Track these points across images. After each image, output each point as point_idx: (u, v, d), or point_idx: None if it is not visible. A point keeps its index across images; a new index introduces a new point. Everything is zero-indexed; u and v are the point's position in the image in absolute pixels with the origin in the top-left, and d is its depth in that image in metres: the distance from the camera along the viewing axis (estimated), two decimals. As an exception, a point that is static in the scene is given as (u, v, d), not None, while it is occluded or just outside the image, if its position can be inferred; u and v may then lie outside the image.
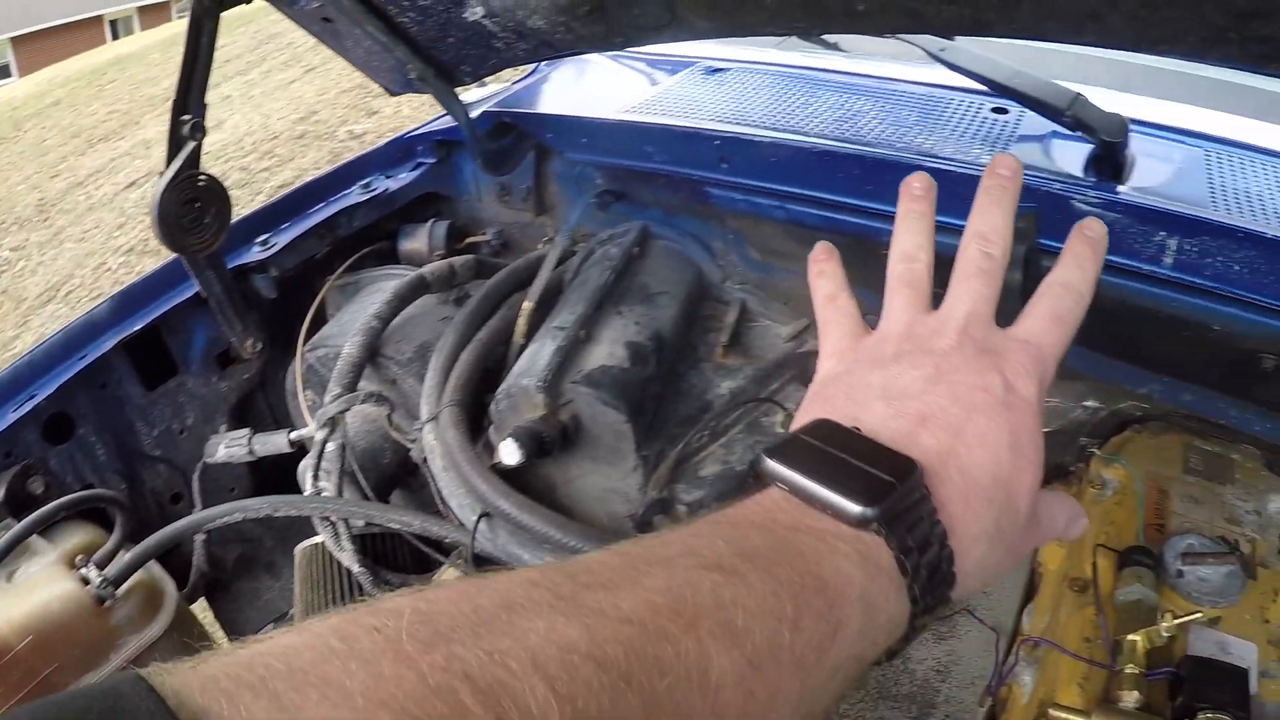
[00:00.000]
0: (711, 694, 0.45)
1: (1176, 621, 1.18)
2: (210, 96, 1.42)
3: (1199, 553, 1.29)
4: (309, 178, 2.04)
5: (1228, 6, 0.83)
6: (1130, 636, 1.18)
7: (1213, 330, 1.29)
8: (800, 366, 1.62)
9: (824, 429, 0.66)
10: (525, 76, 1.99)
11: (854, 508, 0.57)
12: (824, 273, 0.85)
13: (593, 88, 1.82)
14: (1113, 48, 0.96)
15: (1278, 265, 1.18)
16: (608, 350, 1.47)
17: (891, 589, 0.57)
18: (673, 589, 0.47)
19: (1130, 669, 1.16)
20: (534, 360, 1.43)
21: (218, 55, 1.38)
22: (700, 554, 0.51)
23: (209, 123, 1.43)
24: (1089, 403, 1.63)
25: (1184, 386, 1.46)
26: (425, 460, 1.49)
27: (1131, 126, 1.34)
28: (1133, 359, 1.47)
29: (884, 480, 0.58)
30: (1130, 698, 1.10)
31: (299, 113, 7.31)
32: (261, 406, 2.00)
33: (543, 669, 0.40)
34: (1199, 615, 1.22)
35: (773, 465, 0.62)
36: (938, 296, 0.76)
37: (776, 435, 1.51)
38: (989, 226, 0.78)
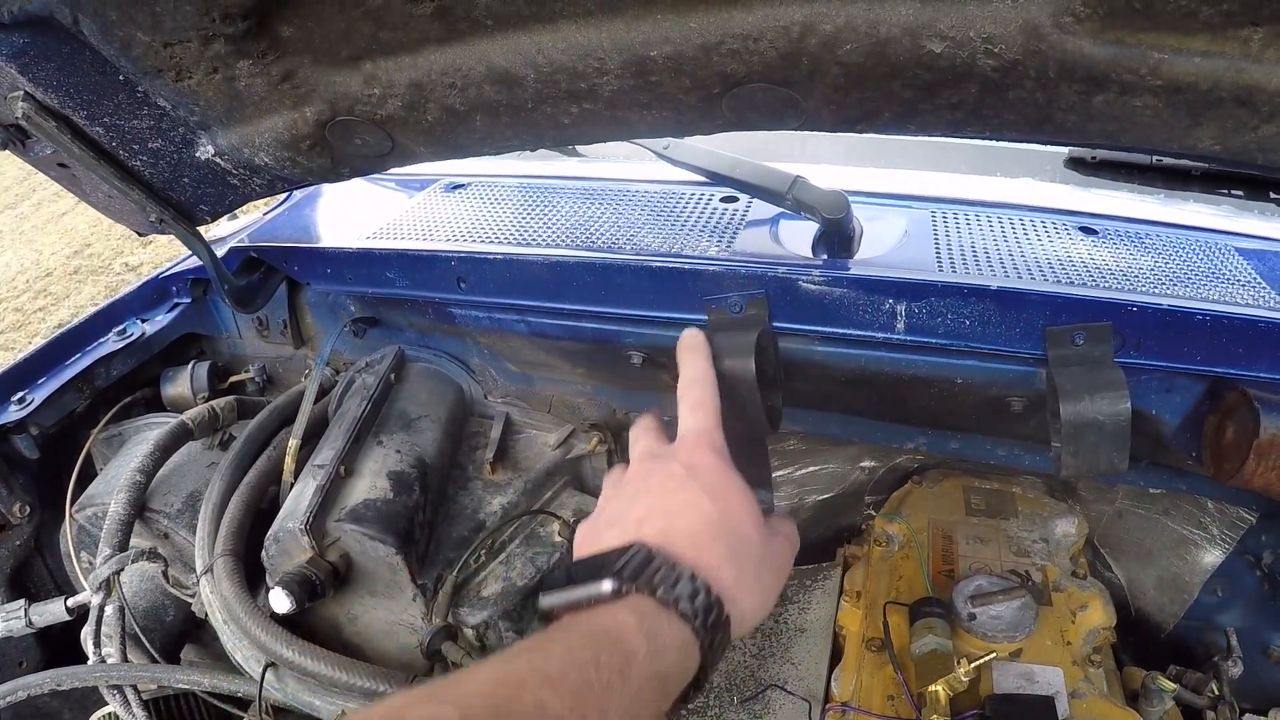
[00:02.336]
0: None
1: (972, 665, 1.22)
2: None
3: (988, 592, 1.34)
4: (65, 326, 1.94)
5: (915, 81, 0.89)
6: (932, 687, 1.22)
7: (957, 384, 1.35)
8: (570, 472, 1.63)
9: (565, 567, 0.84)
10: (278, 205, 1.96)
11: (605, 585, 0.75)
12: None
13: (341, 212, 1.82)
14: (815, 130, 1.01)
15: (1005, 315, 1.25)
16: (370, 483, 1.45)
17: (665, 619, 0.76)
18: (500, 670, 0.66)
19: (936, 719, 1.18)
20: (298, 502, 1.41)
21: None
22: (514, 649, 0.70)
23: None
24: (866, 463, 1.69)
25: (949, 435, 1.53)
26: (208, 614, 1.45)
27: (857, 199, 1.41)
28: (894, 418, 1.53)
29: (612, 560, 0.78)
30: (940, 747, 1.13)
31: (72, 246, 6.99)
32: (41, 571, 1.89)
33: None
34: (994, 654, 1.26)
35: (547, 599, 0.80)
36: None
37: (553, 546, 1.53)
38: (691, 375, 1.04)
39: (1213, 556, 1.56)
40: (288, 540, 1.37)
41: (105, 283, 6.30)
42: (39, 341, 5.37)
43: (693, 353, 1.08)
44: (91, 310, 1.95)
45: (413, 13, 0.94)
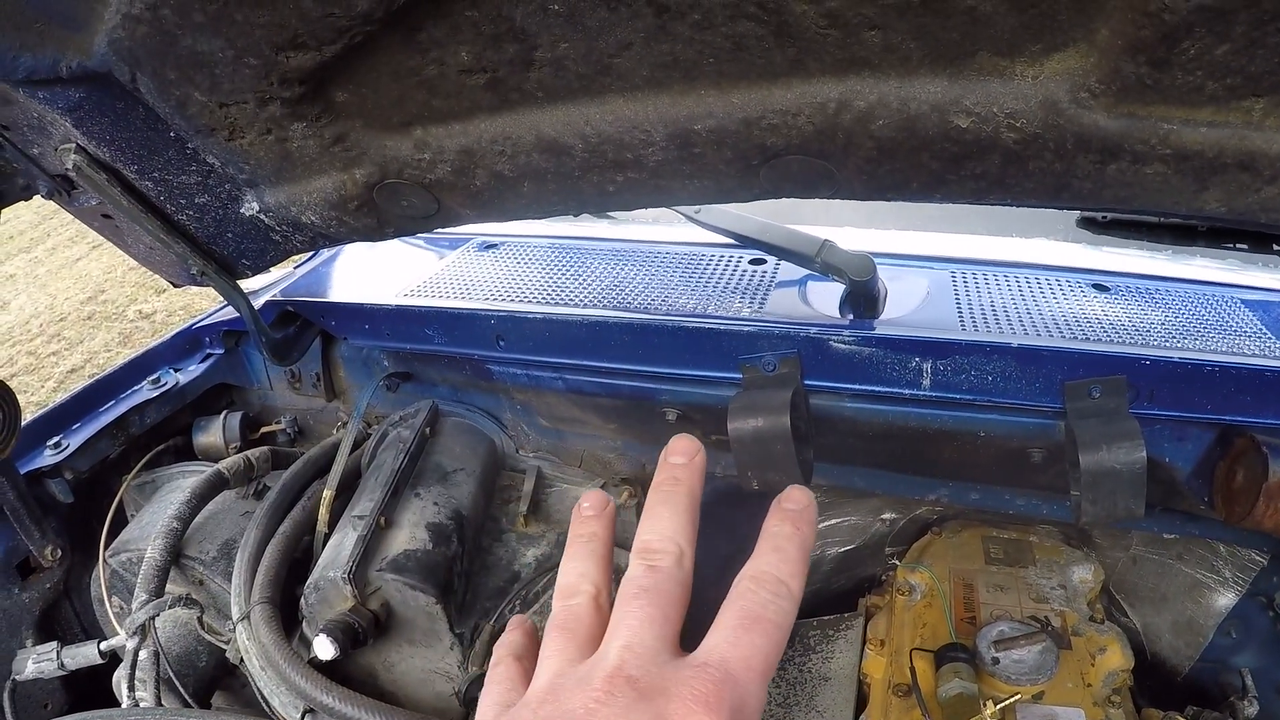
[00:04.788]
0: None
1: (998, 706, 1.25)
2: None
3: (1010, 637, 1.38)
4: (98, 372, 1.99)
5: (942, 154, 0.94)
6: (958, 729, 1.24)
7: (979, 436, 1.40)
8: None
9: None
10: (308, 259, 2.00)
11: None
12: (503, 643, 0.72)
13: (374, 268, 1.87)
14: (847, 199, 1.05)
15: (1025, 370, 1.30)
16: (409, 534, 1.49)
17: None
18: None
19: (965, 759, 1.21)
20: (338, 551, 1.44)
21: (0, 231, 1.33)
22: None
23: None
24: (887, 515, 1.73)
25: (969, 487, 1.57)
26: (242, 660, 1.47)
27: (882, 260, 1.46)
28: (917, 471, 1.57)
29: None
30: (968, 786, 1.16)
31: (86, 292, 7.03)
32: (69, 615, 1.90)
33: None
34: (1018, 696, 1.30)
35: None
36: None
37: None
38: (653, 534, 0.65)
39: (1226, 599, 1.60)
40: (328, 589, 1.40)
41: (119, 329, 6.33)
42: (51, 386, 5.43)
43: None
44: (125, 359, 1.99)
45: (466, 82, 0.98)
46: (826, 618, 1.66)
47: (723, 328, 1.42)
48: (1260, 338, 1.35)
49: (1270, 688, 1.56)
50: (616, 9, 0.85)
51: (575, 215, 1.18)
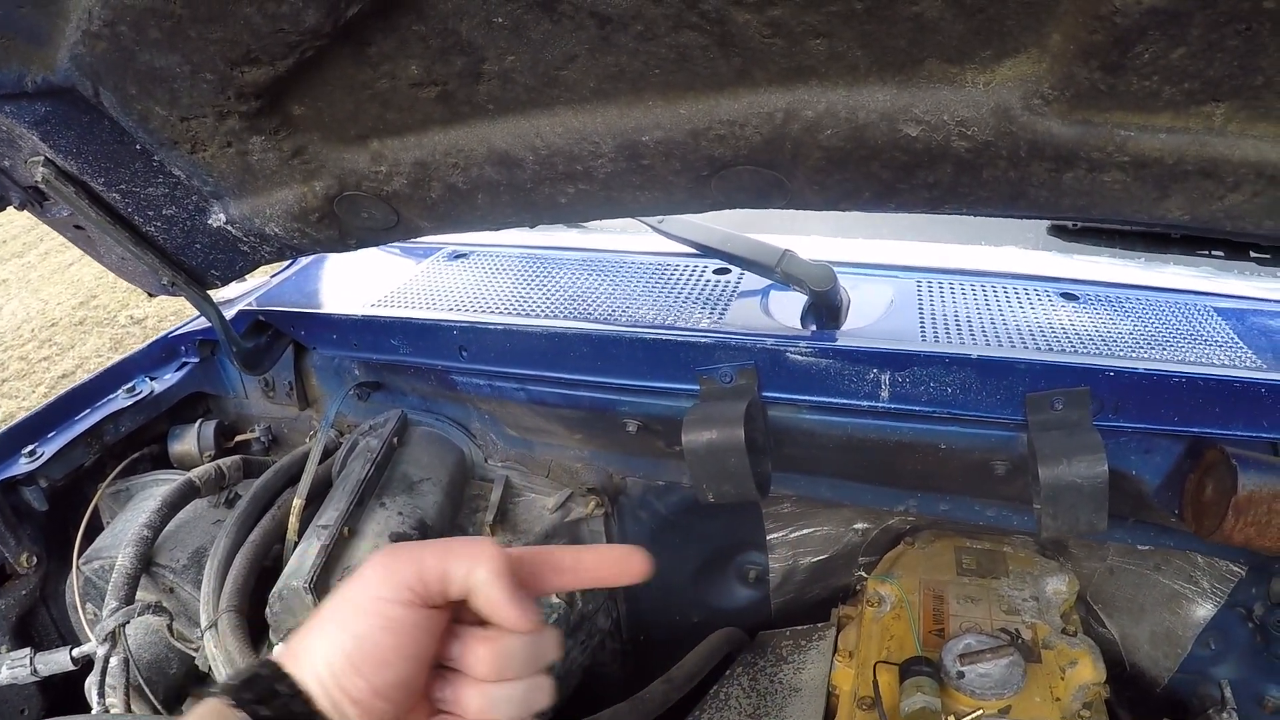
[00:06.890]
0: None
1: (959, 722, 1.24)
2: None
3: (976, 650, 1.37)
4: (77, 379, 1.98)
5: (893, 163, 0.94)
6: (917, 745, 1.23)
7: (941, 449, 1.39)
8: (568, 534, 1.66)
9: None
10: (284, 268, 2.00)
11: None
12: None
13: (346, 277, 1.87)
14: (800, 209, 1.05)
15: (986, 382, 1.29)
16: (373, 543, 1.49)
17: None
18: None
19: (925, 774, 1.20)
20: (301, 561, 1.44)
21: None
22: None
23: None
24: (859, 525, 1.72)
25: (938, 498, 1.57)
26: (211, 668, 1.46)
27: (846, 269, 1.45)
28: (883, 482, 1.57)
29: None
30: (927, 804, 1.15)
31: (79, 297, 7.02)
32: (46, 621, 1.90)
33: None
34: (981, 712, 1.29)
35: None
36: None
37: (551, 607, 1.55)
38: None
39: (1204, 610, 1.59)
40: (291, 598, 1.40)
41: (110, 334, 6.33)
42: (42, 391, 5.42)
43: None
44: (101, 367, 1.99)
45: (418, 96, 0.99)
46: (800, 628, 1.66)
47: (680, 339, 1.42)
48: (1231, 347, 1.34)
49: (1249, 699, 1.55)
50: (560, 21, 0.85)
51: (531, 226, 1.18)
